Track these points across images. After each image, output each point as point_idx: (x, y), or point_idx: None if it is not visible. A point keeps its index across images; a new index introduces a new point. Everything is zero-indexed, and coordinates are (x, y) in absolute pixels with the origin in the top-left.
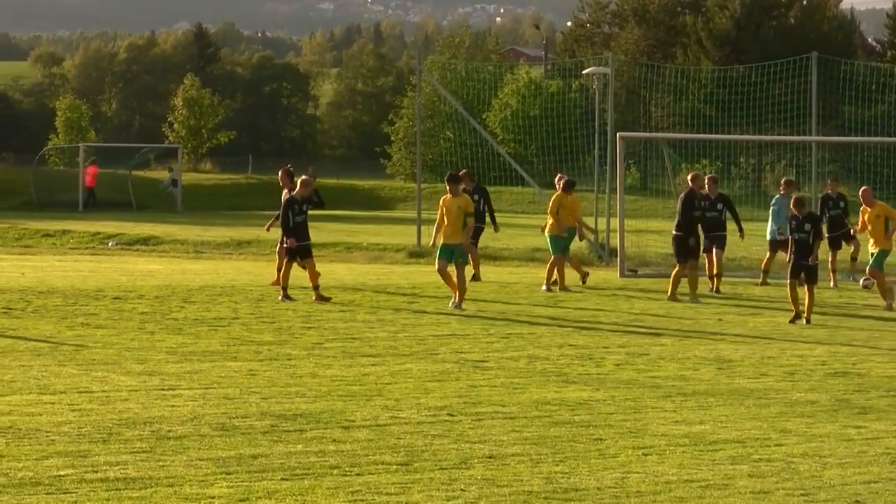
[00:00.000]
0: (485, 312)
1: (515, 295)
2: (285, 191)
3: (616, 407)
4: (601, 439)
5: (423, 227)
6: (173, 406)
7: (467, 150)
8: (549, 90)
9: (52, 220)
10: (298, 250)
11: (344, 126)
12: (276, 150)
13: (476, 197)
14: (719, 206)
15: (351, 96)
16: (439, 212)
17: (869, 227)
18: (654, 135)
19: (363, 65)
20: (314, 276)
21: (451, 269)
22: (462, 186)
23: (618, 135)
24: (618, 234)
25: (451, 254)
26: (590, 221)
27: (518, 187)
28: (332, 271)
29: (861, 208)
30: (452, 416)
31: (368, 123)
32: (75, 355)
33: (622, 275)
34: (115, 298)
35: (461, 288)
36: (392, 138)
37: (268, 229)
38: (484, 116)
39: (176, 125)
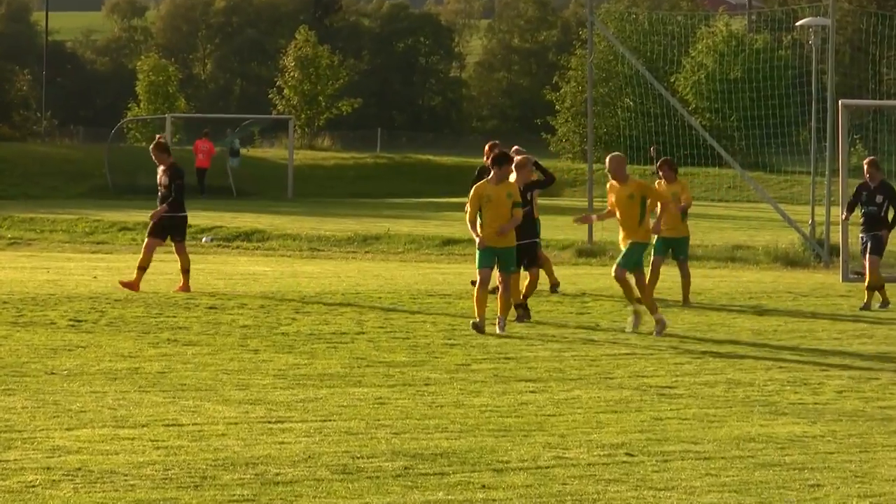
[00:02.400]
0: (672, 326)
1: (712, 303)
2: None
3: (837, 445)
4: (818, 485)
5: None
6: (282, 443)
7: (650, 121)
8: (754, 47)
9: (131, 210)
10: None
11: (496, 92)
12: (411, 121)
13: None
14: (878, 197)
15: (505, 55)
16: (473, 203)
17: None
18: (885, 102)
19: (521, 15)
20: (530, 288)
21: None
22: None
23: (840, 102)
24: (840, 227)
25: (499, 259)
26: (805, 211)
27: (714, 168)
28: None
29: None
30: (632, 455)
31: (527, 89)
32: (160, 379)
33: (846, 278)
34: (210, 308)
35: (505, 303)
36: (557, 107)
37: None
38: (672, 80)
39: (286, 91)
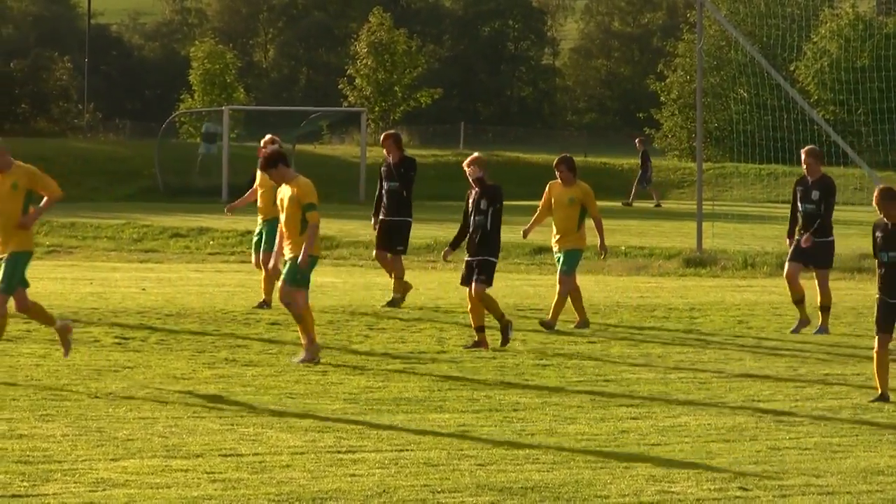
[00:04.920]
0: (788, 344)
1: (836, 319)
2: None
3: None
4: None
5: (704, 225)
6: (354, 475)
7: (766, 114)
8: (884, 31)
9: (184, 214)
10: None
11: (594, 81)
12: (498, 115)
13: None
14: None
15: (604, 40)
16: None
17: None
18: None
19: None
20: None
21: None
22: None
23: None
24: None
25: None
26: None
27: (839, 168)
28: (578, 285)
29: None
30: (746, 489)
31: (629, 78)
32: (216, 404)
33: None
34: (273, 324)
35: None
36: (662, 99)
37: None
38: (791, 68)
39: (358, 80)
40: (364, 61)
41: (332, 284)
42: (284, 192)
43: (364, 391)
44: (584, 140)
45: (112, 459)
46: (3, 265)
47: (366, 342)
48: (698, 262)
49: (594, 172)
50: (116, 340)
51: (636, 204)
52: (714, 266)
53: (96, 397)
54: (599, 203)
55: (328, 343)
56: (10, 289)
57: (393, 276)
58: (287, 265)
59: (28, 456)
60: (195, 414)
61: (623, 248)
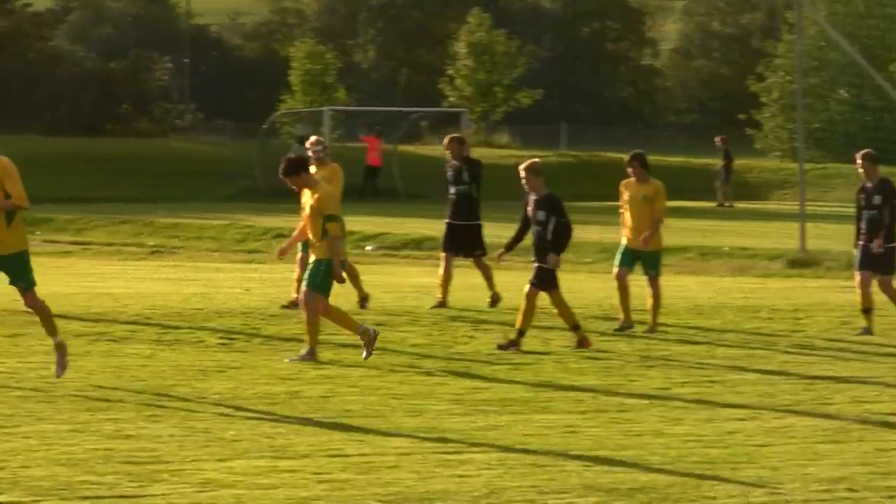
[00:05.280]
0: (894, 344)
1: None
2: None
3: None
4: None
5: (807, 226)
6: (461, 477)
7: (868, 115)
8: None
9: (286, 214)
10: None
11: (694, 82)
12: (599, 115)
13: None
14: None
15: (704, 41)
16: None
17: None
18: None
19: None
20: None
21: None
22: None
23: None
24: None
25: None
26: None
27: None
28: (681, 286)
29: None
30: (854, 491)
31: (729, 79)
32: (322, 405)
33: None
34: (377, 325)
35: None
36: (762, 100)
37: None
38: (891, 69)
39: (458, 81)
40: (464, 62)
41: (435, 285)
42: (306, 198)
43: (470, 392)
44: (685, 140)
45: (219, 460)
46: (6, 269)
47: (470, 343)
48: (802, 262)
49: (692, 174)
50: (221, 341)
51: (736, 204)
52: (818, 267)
53: (203, 398)
54: (698, 203)
55: (433, 343)
56: (31, 283)
57: (484, 277)
58: (310, 268)
59: (135, 456)
60: (302, 414)
61: (726, 248)
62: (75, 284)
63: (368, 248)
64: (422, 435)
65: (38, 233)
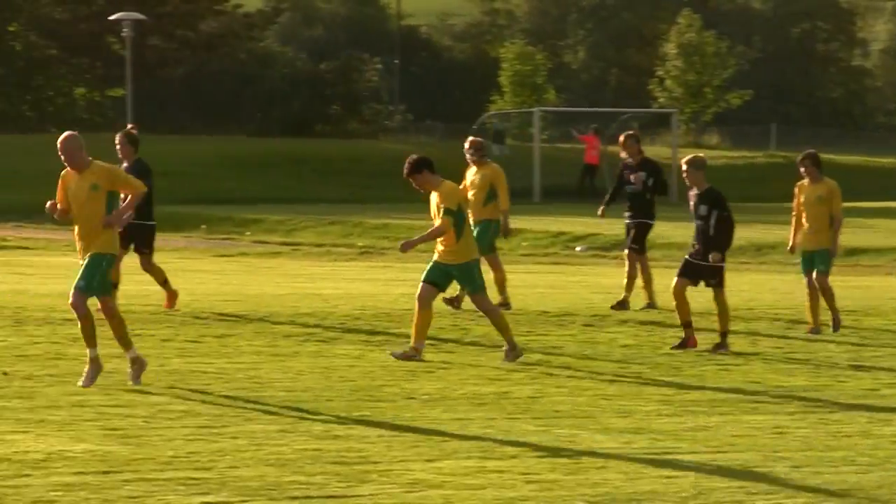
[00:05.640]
0: None
1: None
2: None
3: None
4: None
5: None
6: (669, 477)
7: None
8: None
9: None
10: None
11: None
12: (809, 116)
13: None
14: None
15: None
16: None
17: None
18: None
19: None
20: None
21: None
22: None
23: None
24: None
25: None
26: None
27: None
28: (889, 286)
29: None
30: None
31: None
32: (531, 405)
33: None
34: (586, 326)
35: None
36: None
37: None
38: None
39: (668, 81)
40: (674, 62)
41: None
42: (433, 199)
43: (678, 392)
44: (894, 142)
45: (427, 460)
46: (84, 265)
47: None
48: None
49: None
50: (430, 342)
51: None
52: None
53: (411, 398)
54: None
55: (642, 344)
56: (89, 288)
57: (628, 276)
58: (462, 276)
59: (344, 457)
60: (510, 415)
61: None
62: (285, 285)
63: (578, 248)
64: (630, 436)
65: (248, 233)
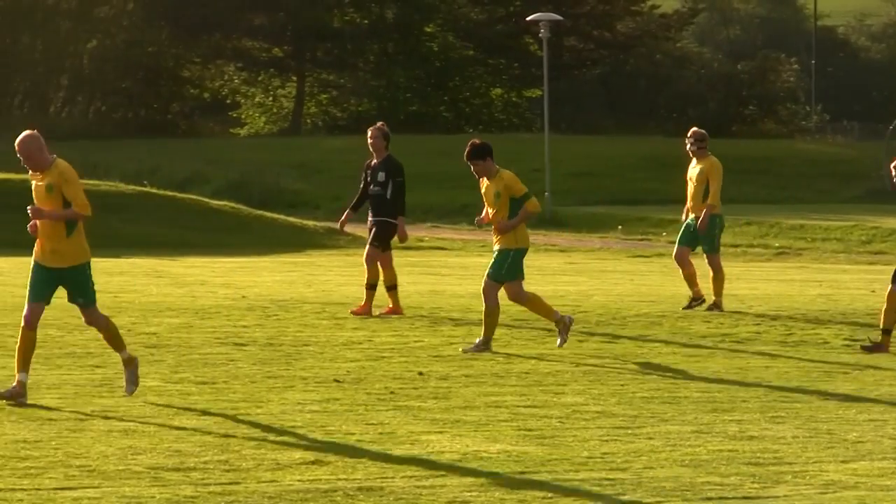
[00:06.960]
0: None
1: None
2: None
3: None
4: None
5: None
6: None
7: None
8: None
9: None
10: None
11: None
12: None
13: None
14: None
15: None
16: None
17: None
18: None
19: None
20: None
21: None
22: None
23: None
24: None
25: None
26: None
27: None
28: None
29: None
30: None
31: None
32: None
33: None
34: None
35: None
36: None
37: None
38: None
39: None
40: None
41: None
42: (488, 187)
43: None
44: None
45: (842, 461)
46: (67, 283)
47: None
48: None
49: None
50: (845, 342)
51: None
52: None
53: (826, 399)
54: None
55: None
56: (92, 299)
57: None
58: (494, 258)
59: (758, 458)
60: None
61: None
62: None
63: None
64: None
65: (665, 234)
